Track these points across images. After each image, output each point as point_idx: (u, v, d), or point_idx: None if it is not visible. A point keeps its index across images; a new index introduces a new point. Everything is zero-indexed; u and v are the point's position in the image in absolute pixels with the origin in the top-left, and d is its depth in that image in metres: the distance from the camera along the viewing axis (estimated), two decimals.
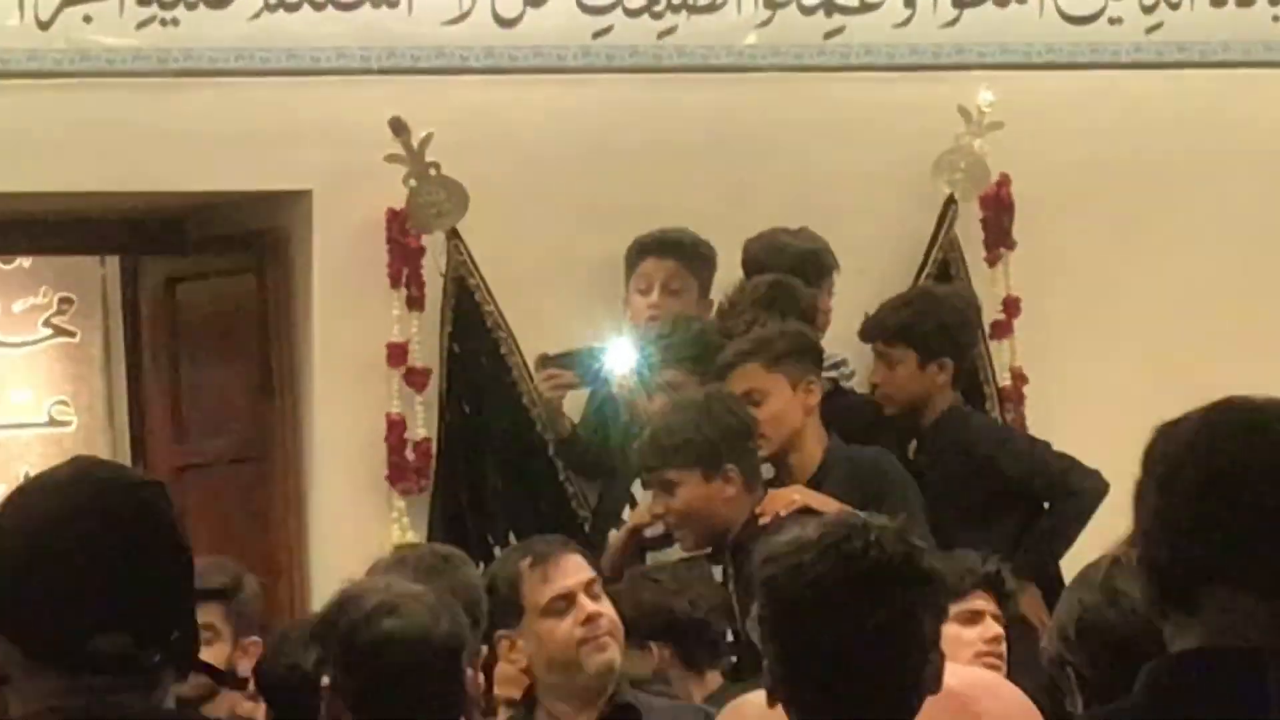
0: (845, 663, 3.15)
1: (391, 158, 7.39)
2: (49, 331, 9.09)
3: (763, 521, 6.04)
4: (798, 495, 6.25)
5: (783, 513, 5.92)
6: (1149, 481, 2.23)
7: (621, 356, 7.51)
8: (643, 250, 7.53)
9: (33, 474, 5.55)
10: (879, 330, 7.37)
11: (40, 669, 2.68)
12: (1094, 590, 3.68)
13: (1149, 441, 2.35)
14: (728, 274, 7.52)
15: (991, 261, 8.03)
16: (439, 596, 3.88)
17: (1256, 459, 2.19)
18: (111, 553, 2.65)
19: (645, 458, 6.59)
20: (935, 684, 3.13)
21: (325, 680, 3.95)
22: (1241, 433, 2.37)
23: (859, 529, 3.34)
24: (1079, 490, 7.10)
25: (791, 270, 6.93)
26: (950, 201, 7.98)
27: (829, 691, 3.18)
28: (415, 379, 7.67)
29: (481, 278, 7.76)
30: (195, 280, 8.58)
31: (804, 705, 3.11)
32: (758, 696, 3.59)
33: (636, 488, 7.15)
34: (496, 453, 7.77)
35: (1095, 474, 7.02)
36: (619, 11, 8.19)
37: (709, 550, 6.25)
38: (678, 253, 7.60)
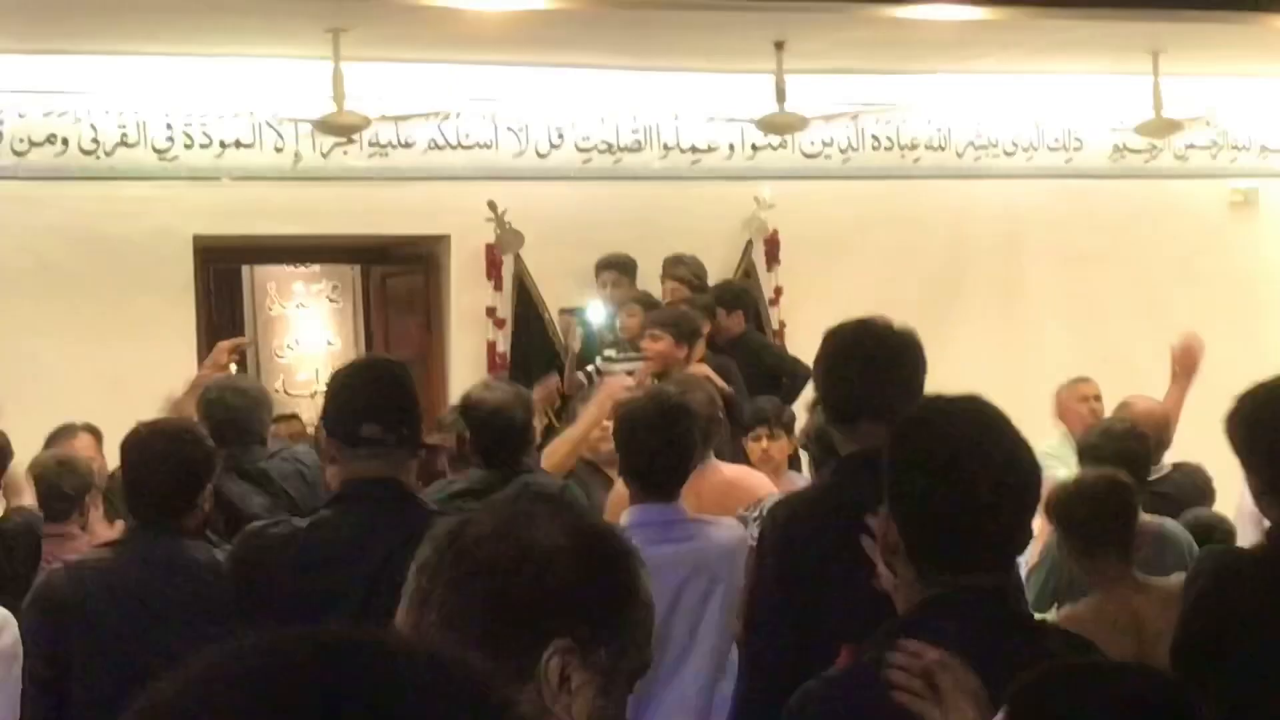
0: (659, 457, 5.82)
1: (489, 219, 10.94)
2: (326, 302, 13.88)
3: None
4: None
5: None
6: (832, 366, 4.80)
7: (599, 312, 10.90)
8: (605, 265, 10.93)
9: (322, 375, 10.36)
10: (719, 302, 10.61)
11: (340, 449, 5.17)
12: (817, 415, 6.21)
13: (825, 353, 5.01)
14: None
15: (769, 268, 11.65)
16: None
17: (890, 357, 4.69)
18: (375, 384, 5.33)
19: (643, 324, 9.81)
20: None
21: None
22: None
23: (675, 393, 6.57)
24: (800, 374, 9.66)
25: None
26: (749, 242, 11.65)
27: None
28: (499, 323, 11.24)
29: (530, 275, 11.24)
30: (397, 277, 12.20)
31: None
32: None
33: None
34: (538, 365, 10.88)
35: (807, 365, 8.11)
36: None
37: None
38: (620, 267, 10.94)
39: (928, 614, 3.35)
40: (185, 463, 5.63)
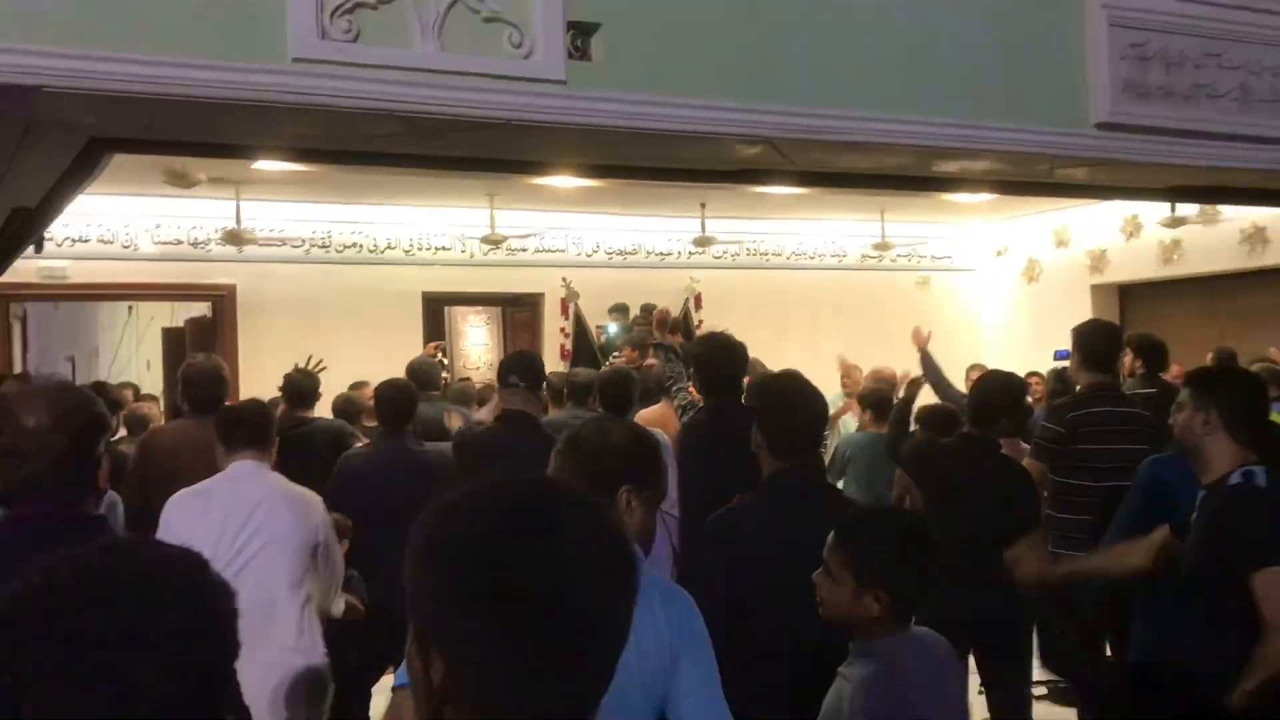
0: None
1: (563, 285, 10.94)
2: (484, 325, 12.30)
3: None
4: None
5: None
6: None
7: (612, 330, 10.40)
8: (613, 308, 10.48)
9: (482, 361, 9.56)
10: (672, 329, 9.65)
11: (499, 390, 5.08)
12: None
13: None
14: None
15: (696, 311, 11.23)
16: None
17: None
18: (518, 358, 5.17)
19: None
20: None
21: None
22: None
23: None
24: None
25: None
26: (686, 299, 11.24)
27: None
28: (566, 335, 10.96)
29: (582, 312, 10.97)
30: (518, 313, 11.53)
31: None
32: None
33: None
34: (585, 356, 10.20)
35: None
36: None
37: None
38: (620, 309, 10.45)
39: (778, 476, 3.21)
40: (408, 396, 5.58)
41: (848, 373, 8.47)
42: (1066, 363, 5.52)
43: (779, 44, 4.77)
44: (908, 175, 5.86)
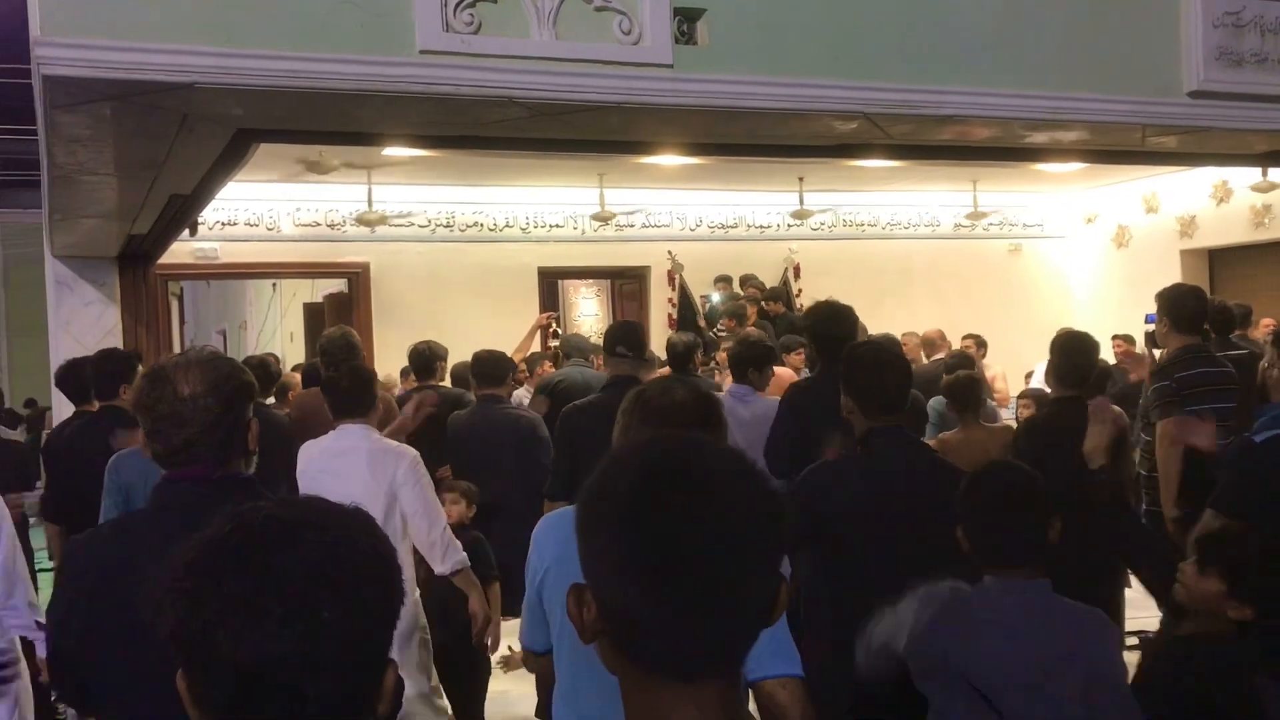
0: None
1: (668, 257, 10.79)
2: (595, 296, 12.61)
3: None
4: None
5: None
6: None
7: (715, 299, 10.38)
8: (718, 278, 10.55)
9: (595, 330, 9.19)
10: (772, 296, 10.06)
11: (607, 359, 5.02)
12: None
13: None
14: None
15: (796, 281, 11.00)
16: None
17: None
18: (622, 328, 5.11)
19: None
20: None
21: None
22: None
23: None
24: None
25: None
26: (785, 268, 11.09)
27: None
28: (673, 304, 10.75)
29: (686, 283, 10.73)
30: (627, 284, 11.41)
31: None
32: None
33: None
34: (689, 325, 9.94)
35: None
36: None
37: None
38: (724, 279, 10.52)
39: (870, 435, 3.14)
40: (498, 360, 5.74)
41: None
42: (1154, 326, 5.31)
43: (874, 21, 4.71)
44: (999, 147, 5.73)
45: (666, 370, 6.02)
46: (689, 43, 4.33)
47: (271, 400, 6.67)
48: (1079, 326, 5.23)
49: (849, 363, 3.22)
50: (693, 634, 1.02)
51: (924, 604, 2.49)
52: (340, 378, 4.15)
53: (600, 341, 6.13)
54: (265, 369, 6.04)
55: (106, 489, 4.14)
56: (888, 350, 3.32)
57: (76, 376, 5.77)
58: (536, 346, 8.53)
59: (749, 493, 1.06)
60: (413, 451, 4.14)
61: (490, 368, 5.67)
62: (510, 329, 8.47)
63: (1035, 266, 12.07)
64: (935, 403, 6.36)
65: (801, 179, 10.17)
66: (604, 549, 1.05)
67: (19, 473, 5.46)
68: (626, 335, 5.04)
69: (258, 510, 1.14)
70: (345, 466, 3.92)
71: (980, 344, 8.66)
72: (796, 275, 11.06)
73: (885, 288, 10.92)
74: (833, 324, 4.62)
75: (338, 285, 10.62)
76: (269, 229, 9.63)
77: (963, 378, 5.76)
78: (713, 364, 7.69)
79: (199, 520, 1.92)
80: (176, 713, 1.10)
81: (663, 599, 1.01)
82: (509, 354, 7.03)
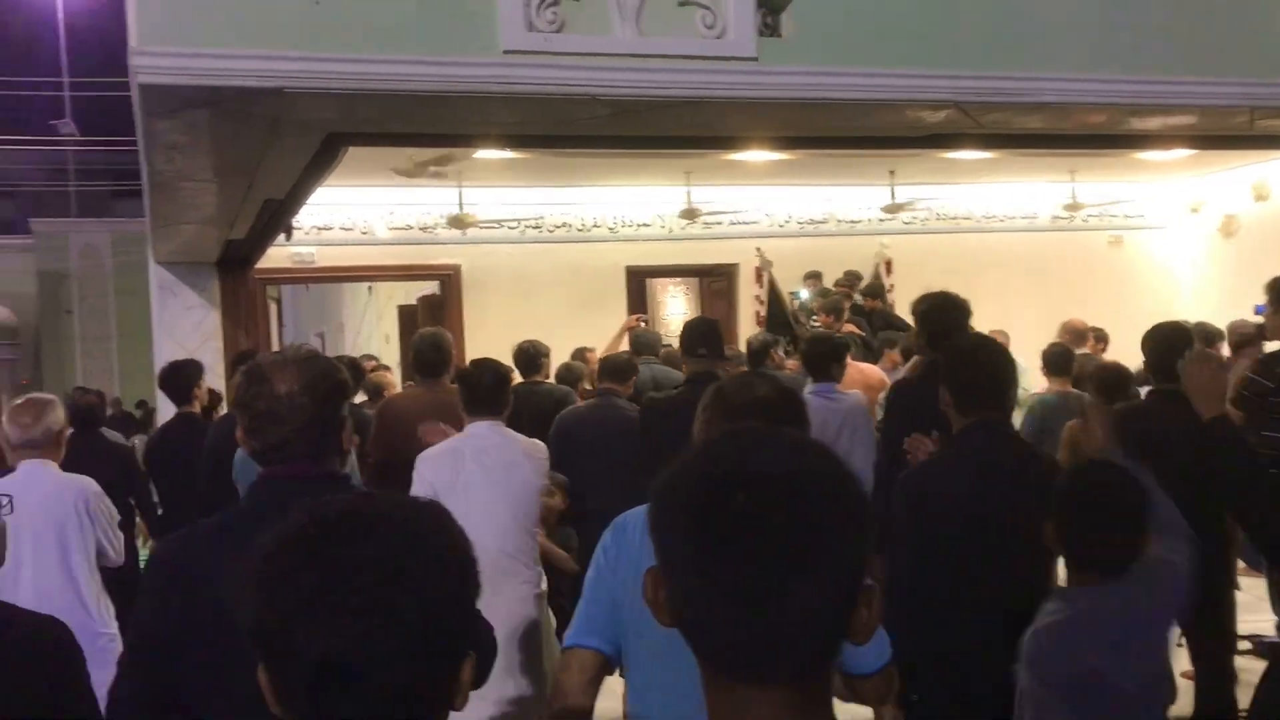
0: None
1: (757, 254, 10.59)
2: (683, 295, 12.09)
3: None
4: None
5: None
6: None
7: (805, 296, 10.13)
8: (808, 275, 10.14)
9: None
10: (867, 292, 9.87)
11: (684, 357, 5.19)
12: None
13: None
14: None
15: (887, 277, 10.71)
16: None
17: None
18: (700, 325, 5.06)
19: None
20: None
21: None
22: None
23: None
24: (899, 326, 8.25)
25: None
26: (876, 264, 10.79)
27: None
28: (761, 302, 10.61)
29: (775, 279, 10.58)
30: (715, 282, 11.18)
31: None
32: None
33: None
34: (779, 322, 10.04)
35: (905, 322, 7.79)
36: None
37: None
38: (815, 275, 10.11)
39: (967, 431, 3.04)
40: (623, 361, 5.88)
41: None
42: (1262, 318, 5.09)
43: (964, 7, 4.61)
44: (1099, 134, 5.59)
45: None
46: (773, 35, 4.30)
47: (363, 399, 6.76)
48: (1184, 319, 5.03)
49: (947, 355, 3.17)
50: (751, 635, 1.00)
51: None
52: (480, 375, 4.14)
53: (676, 339, 6.11)
54: (354, 369, 6.13)
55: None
56: (988, 343, 3.24)
57: (178, 378, 5.94)
58: (625, 347, 8.47)
59: (822, 493, 1.03)
60: (545, 447, 4.19)
61: (616, 365, 5.78)
62: (599, 328, 8.43)
63: (1137, 258, 11.74)
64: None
65: (893, 172, 9.96)
66: (669, 544, 1.04)
67: (125, 480, 5.57)
68: (706, 334, 5.02)
69: (332, 504, 1.14)
70: (497, 462, 3.92)
71: (1100, 338, 8.28)
72: (888, 270, 10.86)
73: (981, 282, 10.32)
74: (945, 314, 4.48)
75: (430, 287, 10.66)
76: (363, 233, 9.75)
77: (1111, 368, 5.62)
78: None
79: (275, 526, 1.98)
80: (267, 714, 1.09)
81: (721, 597, 1.00)
82: (598, 354, 7.02)
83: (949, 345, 3.27)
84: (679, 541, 1.03)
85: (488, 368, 4.29)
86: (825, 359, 5.38)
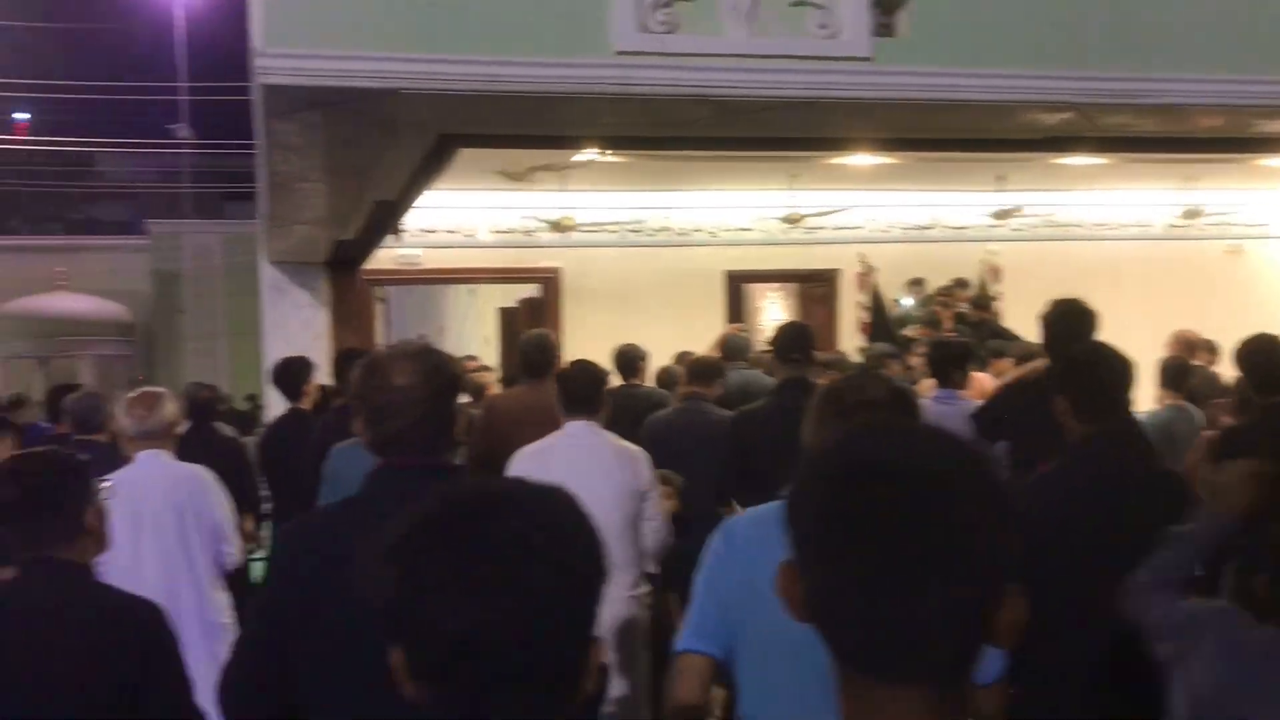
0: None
1: (859, 260, 10.47)
2: (780, 300, 11.88)
3: None
4: None
5: None
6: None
7: (908, 303, 10.14)
8: (911, 281, 10.14)
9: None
10: (975, 304, 9.85)
11: (777, 364, 5.08)
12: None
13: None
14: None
15: (995, 283, 10.44)
16: None
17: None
18: (794, 328, 5.15)
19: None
20: None
21: None
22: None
23: None
24: (1009, 337, 8.19)
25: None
26: (983, 270, 10.49)
27: None
28: (865, 309, 10.38)
29: (879, 286, 10.36)
30: (814, 288, 11.01)
31: None
32: None
33: None
34: (881, 330, 9.81)
35: (1015, 334, 8.22)
36: None
37: None
38: (918, 282, 10.10)
39: (1083, 442, 2.96)
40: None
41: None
42: None
43: (1086, 7, 4.51)
44: (1220, 138, 5.43)
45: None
46: (888, 35, 4.24)
47: (466, 398, 6.89)
48: None
49: (1065, 362, 3.11)
50: (888, 632, 0.98)
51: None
52: (576, 375, 4.18)
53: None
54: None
55: (323, 481, 4.39)
56: (1107, 348, 3.15)
57: (290, 374, 6.07)
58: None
59: (964, 488, 1.00)
60: (644, 452, 4.18)
61: (702, 368, 5.75)
62: (697, 332, 8.35)
63: (1259, 268, 11.35)
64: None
65: (1001, 177, 9.65)
66: (806, 537, 1.03)
67: (235, 474, 5.67)
68: (798, 339, 5.01)
69: (467, 486, 1.17)
70: (589, 462, 3.93)
71: (1211, 350, 8.08)
72: (995, 278, 10.61)
73: (1092, 292, 10.09)
74: (1067, 322, 4.37)
75: (531, 290, 10.61)
76: (467, 235, 9.84)
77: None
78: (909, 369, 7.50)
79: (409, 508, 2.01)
80: (390, 702, 1.09)
81: (857, 593, 0.98)
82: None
83: (1065, 350, 3.25)
84: (816, 535, 1.02)
85: (582, 368, 4.32)
86: (947, 364, 5.33)
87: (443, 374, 2.16)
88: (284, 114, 3.96)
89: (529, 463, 4.00)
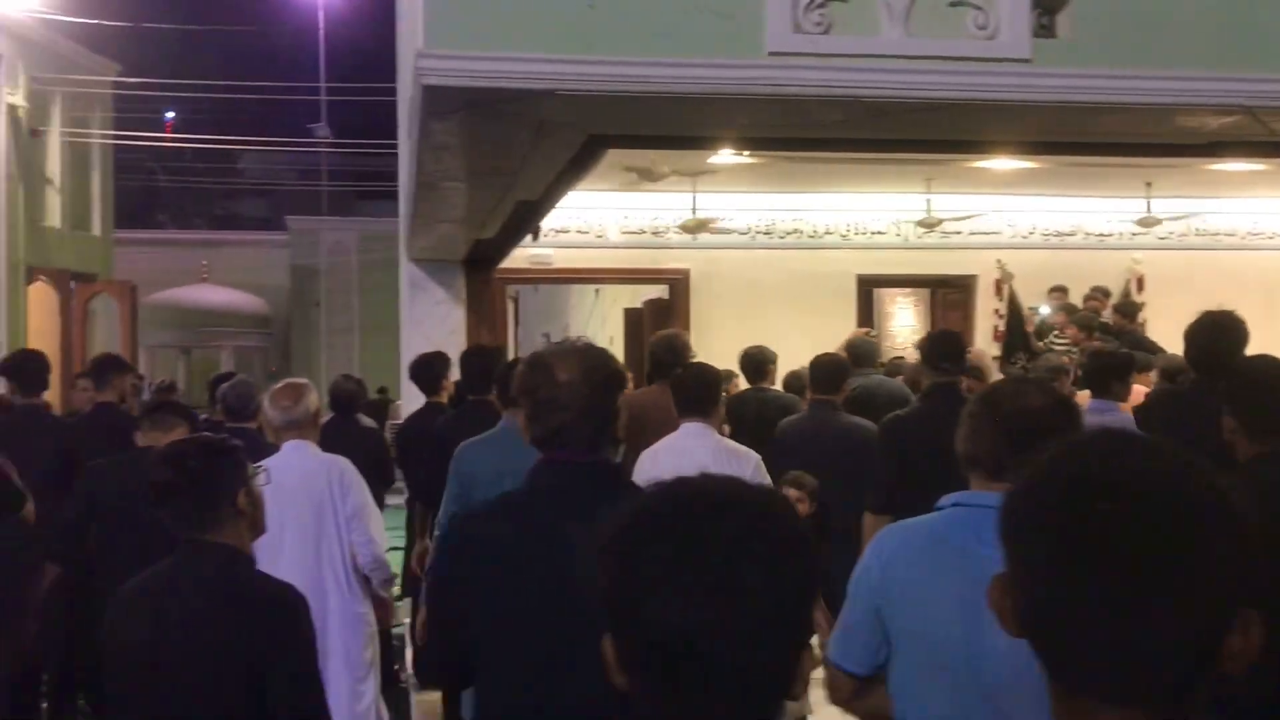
0: None
1: (997, 266, 10.12)
2: (911, 306, 11.81)
3: None
4: None
5: None
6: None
7: (1047, 311, 9.77)
8: (1053, 288, 9.73)
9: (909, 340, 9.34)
10: (1119, 310, 9.33)
11: (925, 370, 5.04)
12: None
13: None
14: None
15: (1139, 293, 10.19)
16: None
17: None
18: (943, 336, 5.26)
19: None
20: None
21: None
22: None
23: None
24: (1153, 350, 7.88)
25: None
26: (1128, 280, 10.24)
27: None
28: (1000, 316, 10.04)
29: (1016, 293, 9.89)
30: (950, 294, 10.82)
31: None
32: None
33: None
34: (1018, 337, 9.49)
35: (1156, 344, 7.98)
36: None
37: None
38: (1060, 290, 9.71)
39: (1255, 461, 2.83)
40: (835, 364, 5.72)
41: None
42: None
43: (1258, 3, 4.35)
44: None
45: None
46: (1048, 35, 4.15)
47: None
48: None
49: (1234, 377, 2.99)
50: (1108, 652, 0.96)
51: None
52: (689, 376, 4.20)
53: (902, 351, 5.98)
54: None
55: (449, 476, 4.39)
56: (1278, 364, 3.06)
57: (428, 370, 6.20)
58: None
59: (1192, 505, 0.98)
60: (756, 455, 4.16)
61: (827, 372, 5.60)
62: (827, 337, 8.28)
63: None
64: None
65: (1149, 184, 9.55)
66: (1025, 552, 1.01)
67: (375, 464, 5.81)
68: (950, 347, 4.96)
69: (685, 484, 1.16)
70: (692, 465, 3.98)
71: None
72: (1140, 288, 10.41)
73: (1245, 303, 9.96)
74: (1215, 337, 4.18)
75: (658, 291, 10.68)
76: (597, 236, 9.93)
77: None
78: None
79: (571, 502, 2.01)
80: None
81: (1077, 610, 0.97)
82: None
83: (1234, 366, 3.11)
84: (1036, 550, 1.00)
85: (695, 370, 4.34)
86: (1106, 375, 5.20)
87: (604, 370, 2.18)
88: (442, 114, 4.03)
89: (646, 463, 4.02)
